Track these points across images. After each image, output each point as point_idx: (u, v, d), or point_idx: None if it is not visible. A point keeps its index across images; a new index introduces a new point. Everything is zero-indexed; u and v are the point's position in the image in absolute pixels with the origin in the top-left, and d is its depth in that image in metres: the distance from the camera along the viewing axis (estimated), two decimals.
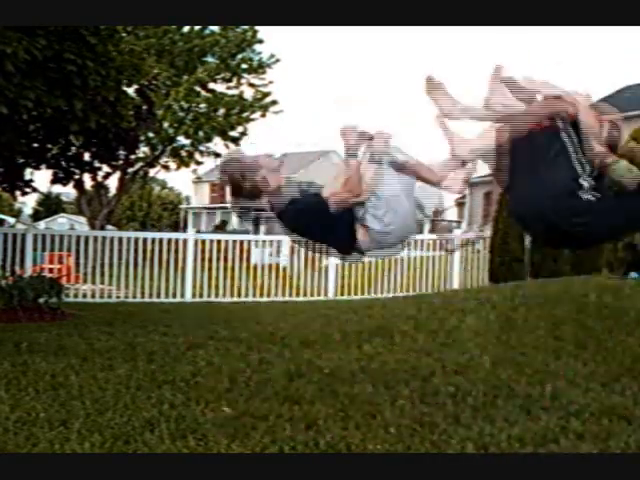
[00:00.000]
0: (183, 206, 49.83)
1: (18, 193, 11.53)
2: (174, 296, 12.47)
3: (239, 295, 12.77)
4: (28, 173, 11.69)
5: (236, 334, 7.48)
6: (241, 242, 13.64)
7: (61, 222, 45.06)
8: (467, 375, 5.39)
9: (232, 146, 25.97)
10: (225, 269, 12.99)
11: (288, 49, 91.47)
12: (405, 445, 3.72)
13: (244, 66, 25.72)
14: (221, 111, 25.07)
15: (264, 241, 15.56)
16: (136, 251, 12.66)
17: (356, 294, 13.05)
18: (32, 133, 9.98)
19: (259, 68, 25.85)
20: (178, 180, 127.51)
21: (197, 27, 24.24)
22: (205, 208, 44.67)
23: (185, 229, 26.22)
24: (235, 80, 25.81)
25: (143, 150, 22.63)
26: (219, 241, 13.40)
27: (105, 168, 12.58)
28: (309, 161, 50.79)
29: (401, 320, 7.87)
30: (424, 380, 5.23)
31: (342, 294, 13.04)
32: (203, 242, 13.24)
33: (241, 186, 3.15)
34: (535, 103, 2.89)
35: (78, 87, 8.05)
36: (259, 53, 25.96)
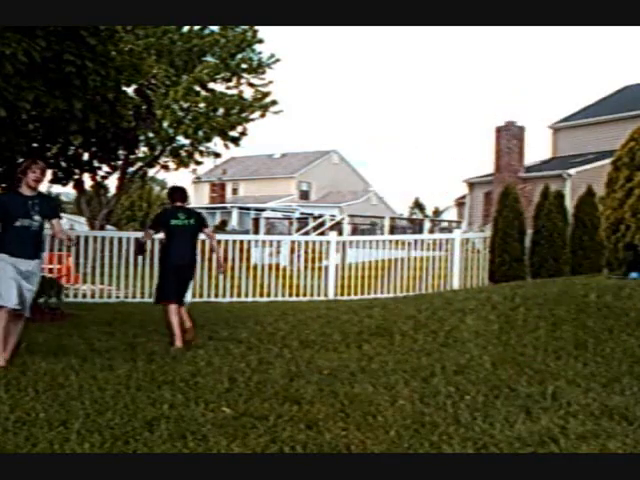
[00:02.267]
0: None
1: None
2: None
3: (239, 295, 12.77)
4: None
5: (236, 334, 7.48)
6: (241, 242, 13.62)
7: (61, 222, 44.97)
8: (467, 375, 5.39)
9: (232, 146, 25.98)
10: (225, 269, 12.97)
11: (288, 49, 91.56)
12: (405, 445, 3.72)
13: (244, 66, 25.69)
14: (220, 111, 25.03)
15: (264, 241, 15.57)
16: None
17: (356, 294, 13.04)
18: (32, 133, 9.95)
19: (259, 68, 25.83)
20: (178, 180, 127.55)
21: (197, 27, 24.22)
22: (205, 208, 44.61)
23: None
24: (235, 80, 25.78)
25: (143, 150, 22.58)
26: (219, 241, 13.37)
27: (105, 168, 12.52)
28: (309, 161, 50.85)
29: (401, 320, 7.87)
30: (424, 380, 5.23)
31: (342, 294, 13.02)
32: (203, 242, 13.20)
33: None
34: None
35: (77, 87, 8.03)
36: (259, 53, 25.95)
